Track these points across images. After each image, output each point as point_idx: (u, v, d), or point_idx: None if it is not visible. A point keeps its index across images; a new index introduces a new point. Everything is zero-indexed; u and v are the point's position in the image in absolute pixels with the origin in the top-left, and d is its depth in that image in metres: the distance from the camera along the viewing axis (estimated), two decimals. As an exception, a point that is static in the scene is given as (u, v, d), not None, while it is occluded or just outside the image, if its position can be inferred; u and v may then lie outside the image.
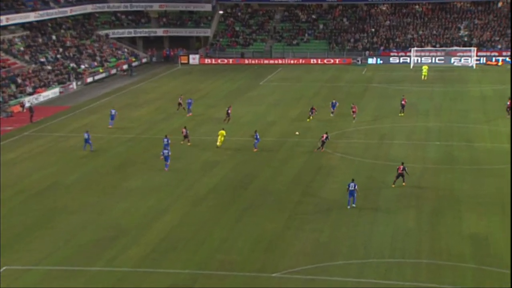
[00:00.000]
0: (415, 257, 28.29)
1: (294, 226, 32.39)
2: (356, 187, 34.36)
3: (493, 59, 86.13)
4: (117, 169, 42.95)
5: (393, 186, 37.42)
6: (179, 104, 59.99)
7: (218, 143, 47.28)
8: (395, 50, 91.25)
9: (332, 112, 55.83)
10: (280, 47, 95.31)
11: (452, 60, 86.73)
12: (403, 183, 37.46)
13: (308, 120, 54.03)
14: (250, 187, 38.79)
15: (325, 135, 45.40)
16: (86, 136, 47.35)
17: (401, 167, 37.51)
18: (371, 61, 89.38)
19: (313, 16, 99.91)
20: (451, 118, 54.92)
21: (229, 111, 55.23)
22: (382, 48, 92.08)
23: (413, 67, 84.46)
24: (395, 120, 54.63)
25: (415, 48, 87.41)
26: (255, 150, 45.99)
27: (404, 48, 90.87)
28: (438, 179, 38.82)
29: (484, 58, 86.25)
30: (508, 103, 53.34)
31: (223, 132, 47.64)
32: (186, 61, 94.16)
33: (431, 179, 38.61)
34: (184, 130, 48.92)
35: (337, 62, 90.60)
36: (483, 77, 76.11)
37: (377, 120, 55.11)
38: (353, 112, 54.16)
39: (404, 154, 44.44)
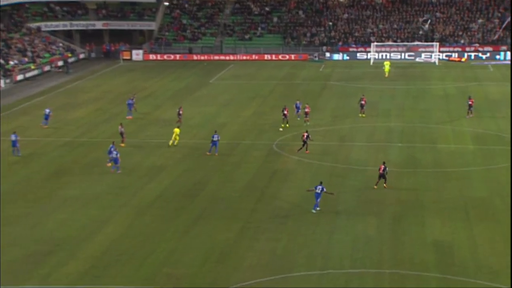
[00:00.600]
0: (377, 267, 28.80)
1: (248, 236, 32.53)
2: (324, 190, 35.04)
3: (455, 55, 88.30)
4: (52, 176, 42.25)
5: (375, 187, 38.39)
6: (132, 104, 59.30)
7: (170, 142, 47.73)
8: (354, 45, 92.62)
9: (298, 114, 55.45)
10: (231, 42, 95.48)
11: (414, 56, 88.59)
12: (384, 185, 38.32)
13: (281, 127, 52.75)
14: (200, 194, 38.74)
15: (305, 134, 45.71)
16: (13, 138, 46.38)
17: (382, 166, 38.36)
18: (329, 56, 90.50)
19: (267, 9, 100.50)
20: (413, 118, 56.11)
21: (181, 112, 54.99)
22: (340, 43, 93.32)
23: (373, 63, 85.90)
24: (355, 121, 55.47)
25: (375, 43, 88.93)
26: (208, 153, 46.01)
27: (364, 43, 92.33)
28: (401, 183, 39.60)
29: (456, 54, 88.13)
30: (470, 102, 54.65)
31: (177, 130, 48.15)
32: (128, 57, 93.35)
33: (393, 183, 39.35)
34: (120, 127, 48.74)
35: (292, 58, 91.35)
36: (446, 74, 78.03)
37: (336, 120, 55.85)
38: (305, 113, 54.05)
39: (365, 157, 45.19)
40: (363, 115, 56.10)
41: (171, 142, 47.69)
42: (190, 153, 47.39)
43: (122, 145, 48.04)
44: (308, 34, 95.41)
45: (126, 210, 36.24)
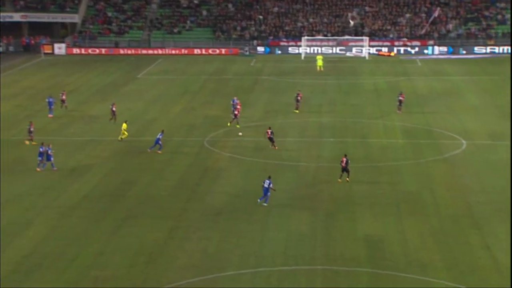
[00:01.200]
0: (309, 263, 29.23)
1: (178, 235, 32.41)
2: (271, 185, 35.39)
3: (385, 49, 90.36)
4: (-30, 178, 40.87)
5: (339, 180, 39.01)
6: (62, 101, 57.73)
7: (119, 137, 48.61)
8: (285, 39, 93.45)
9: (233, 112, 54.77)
10: (160, 35, 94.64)
11: (345, 50, 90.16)
12: (347, 179, 38.99)
13: (229, 124, 51.96)
14: (128, 193, 38.30)
15: (269, 131, 45.84)
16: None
17: (344, 159, 38.89)
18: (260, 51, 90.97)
19: (195, 1, 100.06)
20: (345, 113, 57.15)
21: (114, 109, 53.77)
22: (271, 37, 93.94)
23: (304, 57, 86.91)
24: (287, 116, 56.02)
25: (306, 37, 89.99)
26: (149, 151, 45.81)
27: (295, 37, 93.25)
28: (333, 179, 40.26)
29: (386, 48, 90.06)
30: (401, 98, 55.97)
31: (125, 125, 48.64)
32: (50, 51, 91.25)
33: (325, 178, 39.99)
34: (30, 126, 47.52)
35: (223, 52, 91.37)
36: (376, 69, 79.78)
37: (268, 116, 56.25)
38: (237, 110, 53.76)
39: (297, 153, 45.75)
40: (297, 111, 56.58)
41: (120, 137, 48.16)
42: (117, 151, 46.77)
43: (27, 142, 46.99)
44: (238, 28, 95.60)
45: (50, 212, 35.46)
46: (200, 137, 49.85)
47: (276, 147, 45.59)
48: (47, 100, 56.75)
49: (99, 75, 77.24)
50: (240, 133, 48.85)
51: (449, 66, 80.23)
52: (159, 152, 45.30)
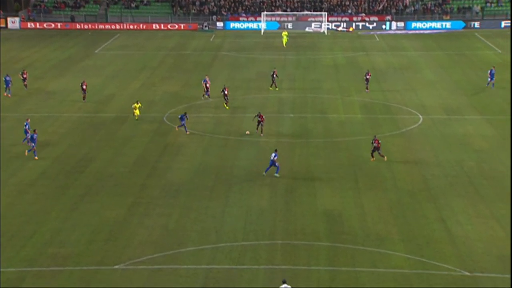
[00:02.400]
0: (269, 238, 29.42)
1: (138, 212, 32.23)
2: (276, 157, 35.94)
3: (343, 24, 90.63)
4: None
5: (372, 159, 38.74)
6: (24, 79, 56.02)
7: (136, 118, 47.08)
8: (244, 15, 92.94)
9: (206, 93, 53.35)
10: (117, 10, 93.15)
11: (304, 25, 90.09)
12: (384, 158, 38.66)
13: (225, 106, 50.40)
14: (87, 170, 37.86)
15: (260, 115, 43.49)
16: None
17: (377, 140, 38.56)
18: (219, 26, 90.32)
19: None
20: (304, 89, 57.27)
21: (84, 87, 52.21)
22: (230, 12, 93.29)
23: (263, 33, 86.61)
24: (247, 92, 55.90)
25: (265, 13, 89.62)
26: (188, 132, 44.05)
27: (254, 12, 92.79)
28: (293, 154, 40.45)
29: (345, 24, 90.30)
30: (368, 76, 55.43)
31: (137, 105, 47.28)
32: (3, 25, 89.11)
33: (285, 154, 40.12)
34: None
35: (182, 27, 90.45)
36: (334, 44, 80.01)
37: (228, 91, 55.95)
38: (206, 87, 53.16)
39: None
40: (277, 89, 55.80)
41: (136, 117, 47.05)
42: (75, 127, 46.11)
43: None
44: (197, 3, 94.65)
45: (6, 189, 34.86)
46: (160, 113, 49.46)
47: (262, 134, 43.52)
48: (5, 78, 55.04)
49: (55, 50, 75.74)
50: (248, 132, 44.11)
51: (406, 42, 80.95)
52: (187, 133, 44.02)
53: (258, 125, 43.54)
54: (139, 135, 44.36)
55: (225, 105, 50.31)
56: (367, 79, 55.24)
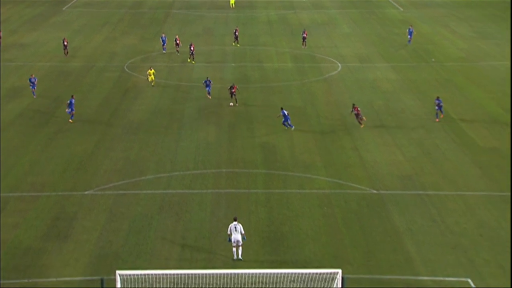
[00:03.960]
0: (215, 167, 29.28)
1: (104, 146, 31.49)
2: (287, 113, 33.34)
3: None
4: None
5: (362, 126, 34.06)
6: None
7: (153, 83, 41.28)
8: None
9: (164, 47, 51.04)
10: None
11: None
12: (362, 125, 34.14)
13: (191, 61, 47.45)
14: (58, 111, 36.57)
15: (233, 86, 38.11)
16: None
17: (357, 107, 34.37)
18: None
19: None
20: (244, 42, 56.27)
21: (65, 43, 49.09)
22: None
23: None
24: (197, 44, 54.53)
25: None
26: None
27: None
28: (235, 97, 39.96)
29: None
30: (304, 35, 54.08)
31: (152, 71, 41.40)
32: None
33: (228, 97, 39.56)
34: None
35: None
36: (268, 4, 78.35)
37: (180, 44, 54.50)
38: (176, 44, 50.04)
39: (204, 75, 44.89)
40: (238, 45, 53.99)
41: (152, 83, 41.16)
42: (47, 75, 44.30)
43: None
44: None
45: (-12, 128, 33.43)
46: (121, 62, 47.91)
47: (236, 104, 37.82)
48: None
49: (28, 6, 71.79)
50: (231, 104, 37.56)
51: (327, 1, 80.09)
52: (209, 97, 38.92)
53: (231, 96, 37.97)
54: (102, 82, 42.95)
55: (191, 60, 48.00)
56: (304, 37, 53.90)
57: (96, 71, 45.34)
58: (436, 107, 35.19)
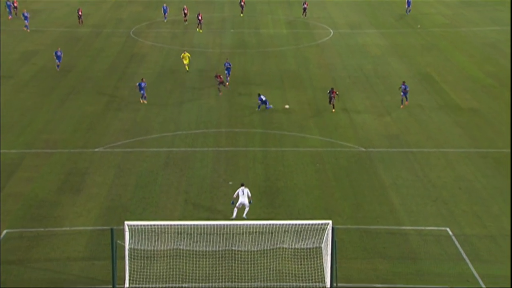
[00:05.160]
0: (216, 127, 29.00)
1: (113, 107, 31.10)
2: (264, 98, 30.60)
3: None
4: None
5: (333, 111, 30.43)
6: (15, 7, 51.21)
7: (186, 67, 36.33)
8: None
9: (165, 17, 49.48)
10: None
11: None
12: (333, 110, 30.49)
13: (199, 30, 45.98)
14: (69, 74, 36.04)
15: (218, 76, 33.12)
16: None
17: (334, 91, 30.26)
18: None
19: None
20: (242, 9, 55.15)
21: (80, 13, 47.47)
22: None
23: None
24: (196, 12, 53.44)
25: None
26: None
27: None
28: (233, 62, 39.27)
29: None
30: (305, 5, 52.36)
31: (187, 54, 36.45)
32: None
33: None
34: None
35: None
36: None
37: (188, 14, 53.40)
38: (184, 14, 48.59)
39: (205, 41, 44.21)
40: (242, 15, 52.86)
41: (187, 68, 36.16)
42: (58, 39, 43.56)
43: None
44: None
45: (4, 89, 32.97)
46: (127, 28, 47.05)
47: (227, 85, 33.76)
48: (5, 4, 50.06)
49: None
50: (287, 106, 31.45)
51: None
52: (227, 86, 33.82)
53: (219, 85, 33.14)
54: (110, 47, 42.23)
55: (199, 29, 46.66)
56: (304, 8, 52.21)
57: (104, 37, 44.54)
58: (402, 93, 30.93)
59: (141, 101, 31.21)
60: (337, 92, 30.57)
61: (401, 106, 31.07)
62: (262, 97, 31.07)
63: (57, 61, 36.10)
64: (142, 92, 31.41)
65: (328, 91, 30.84)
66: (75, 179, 23.64)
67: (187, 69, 36.36)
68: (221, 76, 33.29)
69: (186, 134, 28.06)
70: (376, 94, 33.54)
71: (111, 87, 34.13)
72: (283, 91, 34.09)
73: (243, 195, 20.73)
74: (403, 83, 31.40)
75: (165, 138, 27.53)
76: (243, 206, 20.78)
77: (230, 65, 34.22)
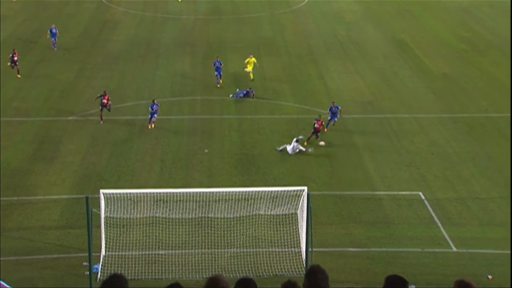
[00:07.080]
0: (191, 95, 28.56)
1: (85, 75, 30.33)
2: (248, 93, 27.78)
3: None
4: None
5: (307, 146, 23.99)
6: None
7: (251, 74, 30.12)
8: None
9: None
10: None
11: None
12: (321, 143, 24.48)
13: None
14: (40, 41, 34.87)
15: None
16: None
17: (320, 121, 24.09)
18: None
19: None
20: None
21: None
22: None
23: None
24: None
25: None
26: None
27: None
28: (208, 29, 38.62)
29: None
30: None
31: (252, 60, 30.25)
32: None
33: (202, 29, 38.26)
34: None
35: None
36: None
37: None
38: None
39: (179, 8, 43.15)
40: None
41: (250, 73, 30.06)
42: (27, 5, 41.96)
43: None
44: None
45: (-28, 58, 31.77)
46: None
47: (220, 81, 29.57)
48: None
49: None
50: (322, 143, 24.05)
51: None
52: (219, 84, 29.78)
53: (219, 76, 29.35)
54: (82, 12, 40.88)
55: None
56: None
57: (74, 2, 43.06)
58: (330, 116, 24.85)
59: (149, 126, 24.74)
60: (322, 123, 24.05)
61: (325, 130, 24.56)
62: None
63: (52, 39, 32.93)
64: (153, 116, 24.78)
65: (314, 122, 23.99)
66: (49, 148, 23.13)
67: (252, 77, 29.80)
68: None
69: (161, 102, 27.46)
70: (351, 60, 33.37)
71: (83, 54, 33.19)
72: (258, 57, 33.47)
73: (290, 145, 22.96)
74: (333, 103, 25.10)
75: (139, 106, 27.01)
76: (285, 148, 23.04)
77: (221, 64, 29.13)
